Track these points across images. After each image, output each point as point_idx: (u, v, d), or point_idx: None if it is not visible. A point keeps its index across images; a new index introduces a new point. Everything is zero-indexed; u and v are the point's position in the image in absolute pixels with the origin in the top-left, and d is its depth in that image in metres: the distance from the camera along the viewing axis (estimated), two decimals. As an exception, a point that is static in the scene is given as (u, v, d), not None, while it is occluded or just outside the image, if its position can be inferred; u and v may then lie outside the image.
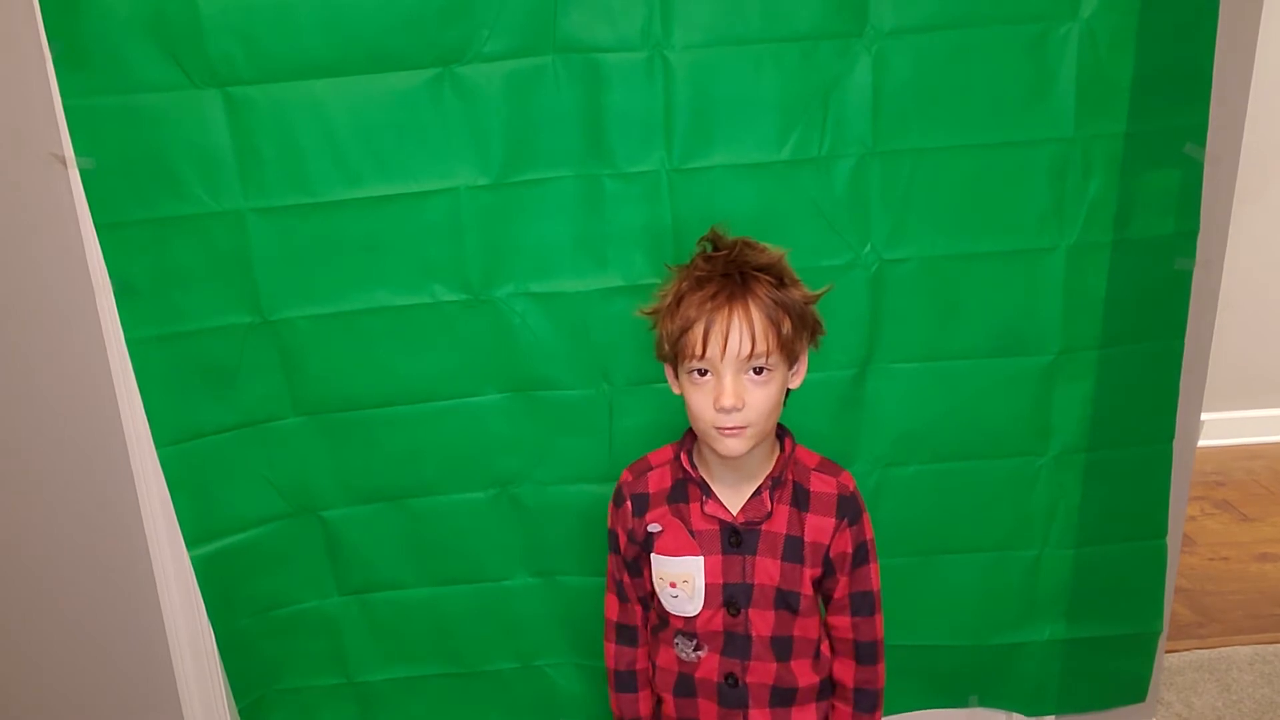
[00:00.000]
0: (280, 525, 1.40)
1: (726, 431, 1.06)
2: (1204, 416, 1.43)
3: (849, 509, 1.14)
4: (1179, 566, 1.50)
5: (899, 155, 1.25)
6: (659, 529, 1.16)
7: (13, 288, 1.27)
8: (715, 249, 1.11)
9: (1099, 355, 1.34)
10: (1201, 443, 1.48)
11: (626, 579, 1.21)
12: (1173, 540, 1.44)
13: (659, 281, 1.28)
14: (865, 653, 1.17)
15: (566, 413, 1.35)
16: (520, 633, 1.47)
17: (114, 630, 1.43)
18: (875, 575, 1.16)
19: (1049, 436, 1.38)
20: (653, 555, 1.17)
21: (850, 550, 1.14)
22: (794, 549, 1.13)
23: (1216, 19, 1.21)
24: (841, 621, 1.17)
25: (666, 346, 1.09)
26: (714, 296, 1.04)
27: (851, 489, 1.15)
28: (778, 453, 1.16)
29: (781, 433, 1.17)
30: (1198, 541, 2.32)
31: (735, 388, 1.04)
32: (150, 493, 1.35)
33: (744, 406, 1.04)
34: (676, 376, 1.12)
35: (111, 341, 1.28)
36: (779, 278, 1.08)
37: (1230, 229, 1.33)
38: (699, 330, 1.04)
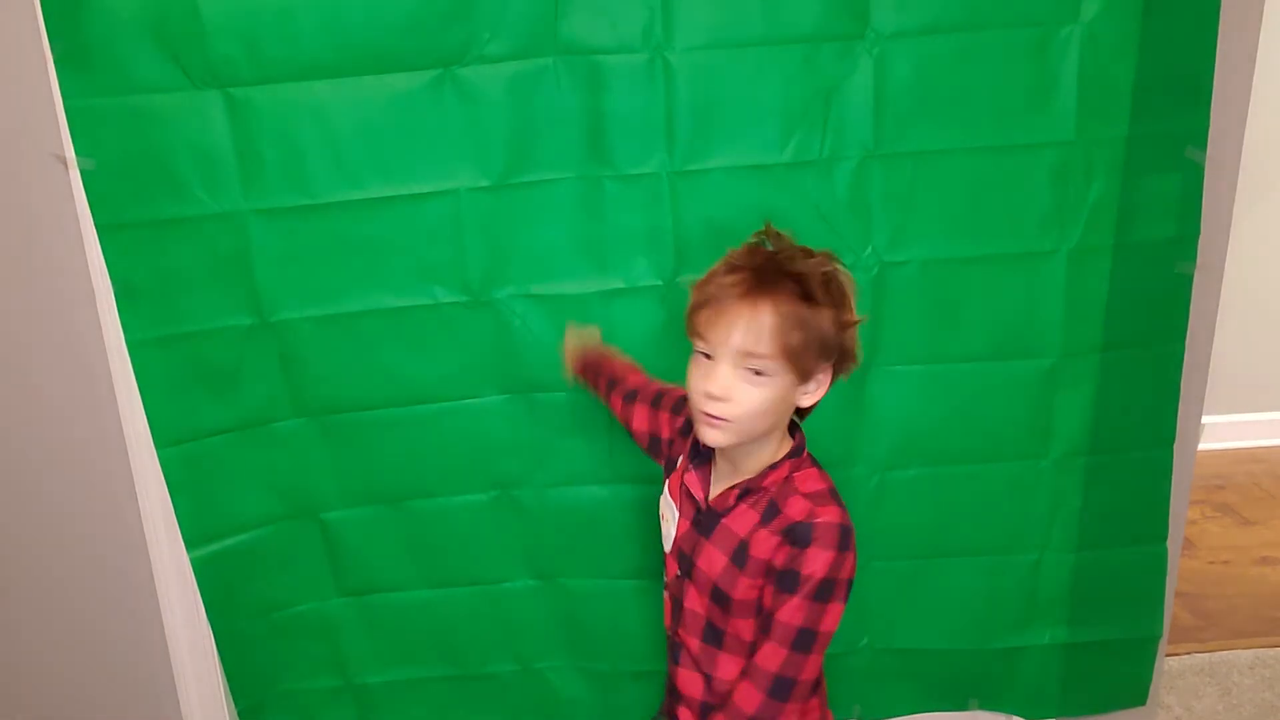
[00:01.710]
0: (280, 527, 1.39)
1: (708, 419, 1.04)
2: (1205, 420, 1.43)
3: (795, 532, 1.07)
4: (1179, 570, 1.49)
5: (900, 158, 1.25)
6: (681, 460, 1.18)
7: (13, 288, 1.27)
8: (763, 243, 1.09)
9: (1100, 359, 1.34)
10: (1202, 446, 1.48)
11: (664, 402, 1.22)
12: (1173, 544, 1.44)
13: (659, 284, 1.29)
14: (751, 672, 1.10)
15: (566, 415, 1.35)
16: (520, 635, 1.47)
17: (114, 631, 1.42)
18: (792, 609, 1.06)
19: (1049, 440, 1.37)
20: (666, 480, 1.21)
21: (779, 567, 1.07)
22: (741, 554, 1.10)
23: (1217, 23, 1.21)
24: (752, 624, 1.13)
25: (687, 321, 1.07)
26: (736, 284, 1.02)
27: (817, 520, 1.07)
28: (771, 465, 1.11)
29: (794, 452, 1.12)
30: (1198, 545, 2.31)
31: (726, 378, 1.02)
32: (150, 494, 1.35)
33: (731, 400, 1.03)
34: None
35: (112, 342, 1.28)
36: (809, 292, 1.04)
37: (1231, 233, 1.33)
38: (711, 311, 1.03)
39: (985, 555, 1.43)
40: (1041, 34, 1.21)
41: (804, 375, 1.06)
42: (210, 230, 1.25)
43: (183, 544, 1.36)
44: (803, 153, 1.24)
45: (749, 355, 1.02)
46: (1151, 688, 1.52)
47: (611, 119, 1.22)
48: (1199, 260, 1.30)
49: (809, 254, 1.07)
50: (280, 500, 1.38)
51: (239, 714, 1.46)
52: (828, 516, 1.07)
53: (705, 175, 1.25)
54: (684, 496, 1.16)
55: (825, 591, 1.07)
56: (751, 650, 1.11)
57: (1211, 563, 2.23)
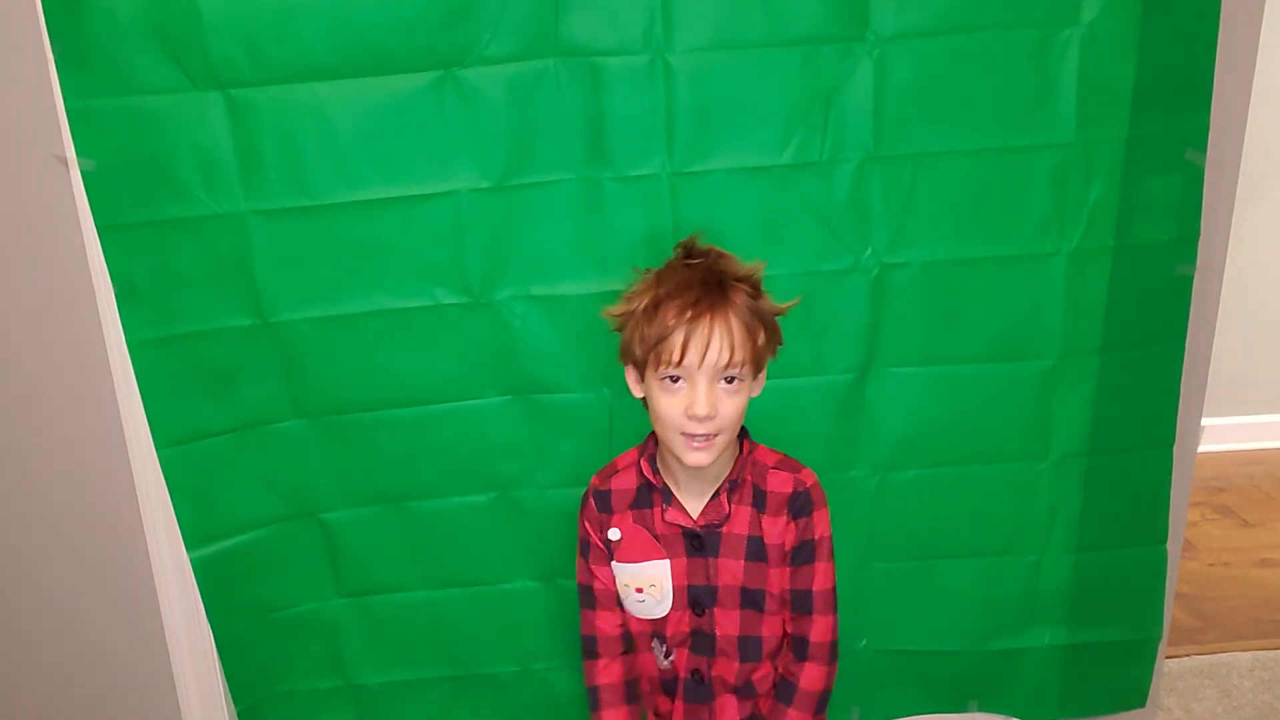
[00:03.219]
0: (280, 528, 1.39)
1: (695, 442, 1.06)
2: (1204, 422, 1.43)
3: (797, 504, 1.14)
4: (1179, 572, 1.49)
5: (900, 160, 1.25)
6: (618, 536, 1.18)
7: (14, 289, 1.27)
8: (690, 256, 1.11)
9: (1100, 360, 1.34)
10: (1202, 448, 1.48)
11: (598, 581, 1.21)
12: (1173, 546, 1.44)
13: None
14: (799, 649, 1.17)
15: (567, 416, 1.35)
16: (519, 636, 1.47)
17: (113, 632, 1.42)
18: (822, 574, 1.15)
19: (1049, 441, 1.38)
20: (614, 564, 1.19)
21: (793, 543, 1.14)
22: (757, 549, 1.14)
23: (1218, 25, 1.21)
24: (784, 616, 1.18)
25: (638, 350, 1.08)
26: (695, 304, 1.04)
27: (808, 485, 1.15)
28: (736, 454, 1.16)
29: (740, 434, 1.17)
30: (1198, 547, 2.31)
31: (710, 396, 1.04)
32: (150, 494, 1.35)
33: (716, 415, 1.05)
34: (642, 379, 1.11)
35: (112, 343, 1.28)
36: (755, 288, 1.08)
37: (1231, 234, 1.33)
38: (678, 338, 1.03)
39: (985, 557, 1.43)
40: (1041, 36, 1.21)
41: (759, 369, 1.11)
42: (211, 231, 1.25)
43: (183, 544, 1.36)
44: (803, 154, 1.24)
45: (727, 367, 1.04)
46: (1151, 689, 1.52)
47: (612, 120, 1.23)
48: (1199, 261, 1.30)
49: (726, 255, 1.11)
50: (280, 501, 1.38)
51: (238, 714, 1.46)
52: (809, 476, 1.16)
53: (705, 177, 1.25)
54: (669, 541, 1.17)
55: (830, 547, 1.16)
56: (795, 638, 1.17)
57: (1211, 565, 2.23)
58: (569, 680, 1.49)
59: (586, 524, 1.22)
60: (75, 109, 1.19)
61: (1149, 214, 1.28)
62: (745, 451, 1.16)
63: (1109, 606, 1.46)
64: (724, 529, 1.15)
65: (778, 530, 1.14)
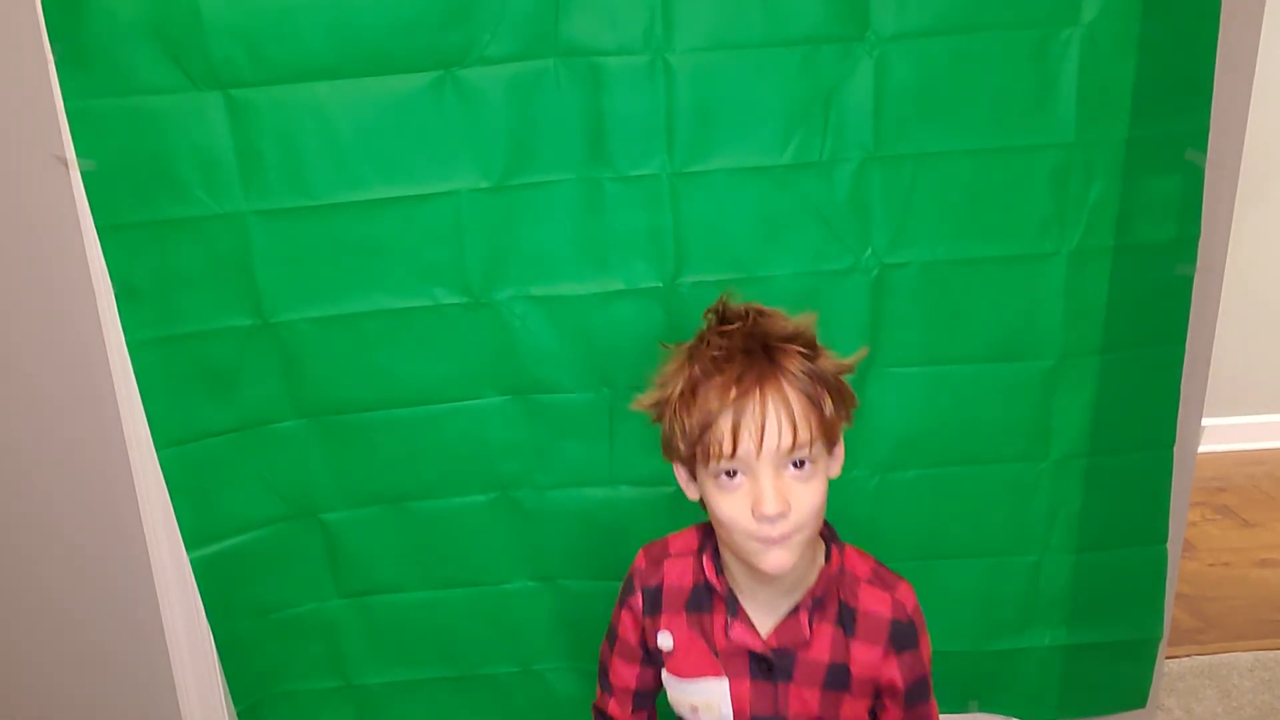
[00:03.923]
0: (280, 528, 1.39)
1: (771, 541, 0.87)
2: (1205, 422, 1.43)
3: (901, 635, 0.95)
4: (1179, 572, 1.49)
5: (900, 160, 1.25)
6: (670, 645, 0.99)
7: (13, 289, 1.27)
8: (724, 320, 0.94)
9: (1100, 360, 1.34)
10: (1202, 448, 1.48)
11: (620, 680, 1.04)
12: (1173, 546, 1.44)
13: (659, 285, 1.29)
14: None
15: (567, 416, 1.35)
16: (519, 636, 1.46)
17: (113, 632, 1.42)
18: (934, 713, 0.99)
19: (1049, 441, 1.37)
20: (664, 673, 1.02)
21: (902, 685, 0.96)
22: (838, 677, 0.95)
23: (1218, 25, 1.21)
24: None
25: (682, 445, 0.89)
26: (740, 380, 0.86)
27: (909, 609, 0.96)
28: (821, 561, 0.96)
29: (829, 536, 0.99)
30: (1198, 547, 2.31)
31: (778, 489, 0.85)
32: (150, 494, 1.35)
33: (789, 510, 0.86)
34: (694, 478, 0.93)
35: (112, 343, 1.28)
36: (809, 346, 0.91)
37: (1231, 234, 1.33)
38: (726, 423, 0.85)
39: (985, 557, 1.43)
40: (1041, 36, 1.21)
41: (833, 443, 0.92)
42: (211, 231, 1.25)
43: (183, 544, 1.36)
44: (803, 154, 1.24)
45: (793, 449, 0.86)
46: (1151, 689, 1.52)
47: (612, 120, 1.22)
48: (1199, 262, 1.30)
49: (767, 312, 0.94)
50: (280, 501, 1.38)
51: (238, 714, 1.46)
52: (909, 596, 0.97)
53: (705, 177, 1.25)
54: (730, 657, 0.97)
55: (930, 682, 0.99)
56: None
57: (1211, 565, 2.23)
58: (569, 681, 1.49)
59: (625, 617, 1.03)
60: (75, 109, 1.18)
61: (1149, 214, 1.27)
62: (835, 563, 0.95)
63: (1109, 607, 1.46)
64: (802, 654, 0.95)
65: (871, 661, 0.95)
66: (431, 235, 1.26)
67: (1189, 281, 1.30)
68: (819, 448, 0.88)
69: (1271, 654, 1.86)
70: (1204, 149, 1.25)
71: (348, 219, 1.25)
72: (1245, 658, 1.85)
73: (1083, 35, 1.20)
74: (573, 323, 1.30)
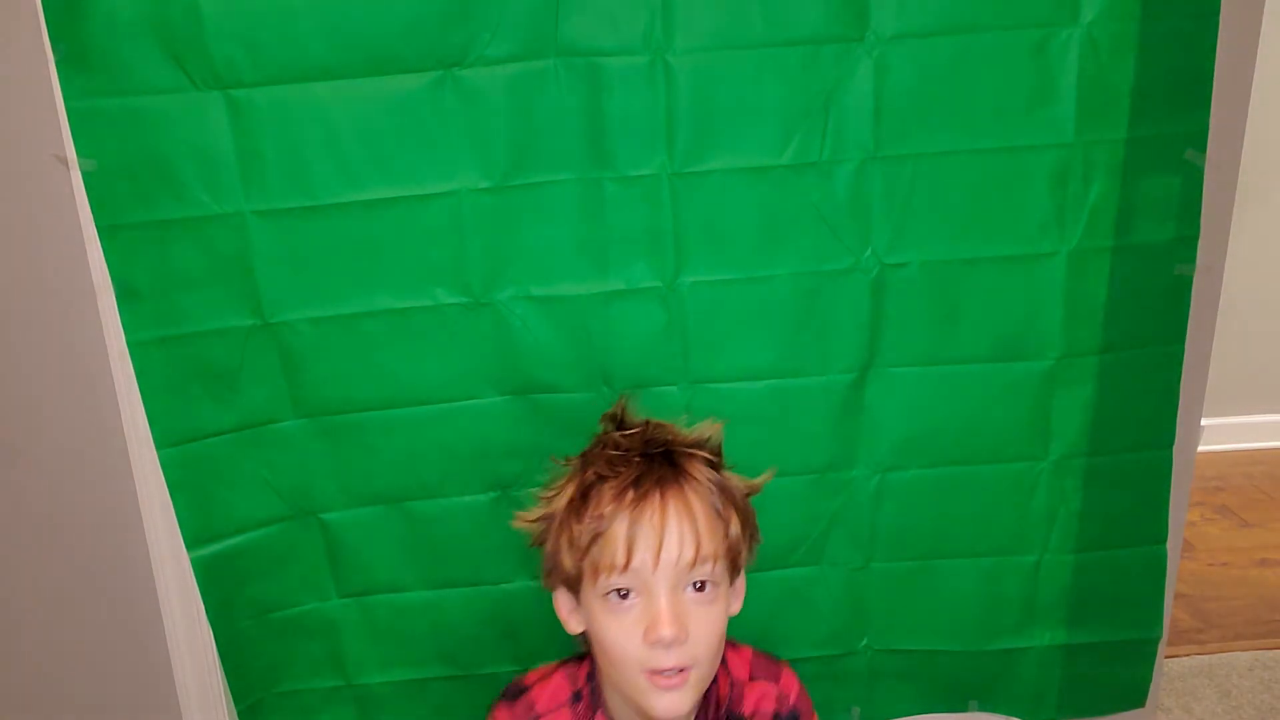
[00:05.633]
0: (280, 528, 1.40)
1: (665, 680, 0.77)
2: (1204, 422, 1.43)
3: None
4: (1179, 572, 1.49)
5: (900, 160, 1.25)
6: None
7: (13, 289, 1.27)
8: (623, 426, 0.87)
9: (1099, 360, 1.34)
10: (1201, 448, 1.48)
11: None
12: (1173, 546, 1.44)
13: (659, 285, 1.29)
14: None
15: (567, 416, 1.35)
16: (520, 636, 1.47)
17: (113, 631, 1.42)
18: None
19: (1049, 441, 1.38)
20: None
21: None
22: None
23: (1217, 25, 1.21)
24: None
25: (567, 561, 0.81)
26: (638, 482, 0.78)
27: (792, 697, 0.90)
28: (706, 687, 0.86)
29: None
30: (1198, 547, 2.31)
31: (675, 610, 0.75)
32: (150, 494, 1.35)
33: (688, 636, 0.76)
34: (578, 603, 0.84)
35: (112, 343, 1.28)
36: (715, 454, 0.84)
37: (1231, 234, 1.33)
38: (620, 531, 0.77)
39: (985, 557, 1.43)
40: (1041, 36, 1.21)
41: (735, 573, 0.83)
42: (211, 231, 1.25)
43: (183, 544, 1.36)
44: (803, 155, 1.24)
45: (694, 565, 0.77)
46: (1151, 689, 1.52)
47: (612, 120, 1.22)
48: (1199, 261, 1.30)
49: (663, 424, 0.86)
50: (280, 501, 1.38)
51: (239, 714, 1.46)
52: (791, 682, 0.90)
53: (705, 177, 1.25)
54: None
55: None
56: None
57: (1211, 565, 2.23)
58: (569, 680, 1.49)
59: None
60: (75, 109, 1.18)
61: (1149, 214, 1.28)
62: (722, 687, 0.87)
63: (1109, 606, 1.46)
64: None
65: None
66: (432, 235, 1.26)
67: (1189, 281, 1.30)
68: (722, 570, 0.80)
69: (1271, 654, 1.86)
70: (1204, 149, 1.25)
71: (348, 219, 1.25)
72: (1245, 658, 1.85)
73: (1082, 36, 1.20)
74: (573, 323, 1.30)
